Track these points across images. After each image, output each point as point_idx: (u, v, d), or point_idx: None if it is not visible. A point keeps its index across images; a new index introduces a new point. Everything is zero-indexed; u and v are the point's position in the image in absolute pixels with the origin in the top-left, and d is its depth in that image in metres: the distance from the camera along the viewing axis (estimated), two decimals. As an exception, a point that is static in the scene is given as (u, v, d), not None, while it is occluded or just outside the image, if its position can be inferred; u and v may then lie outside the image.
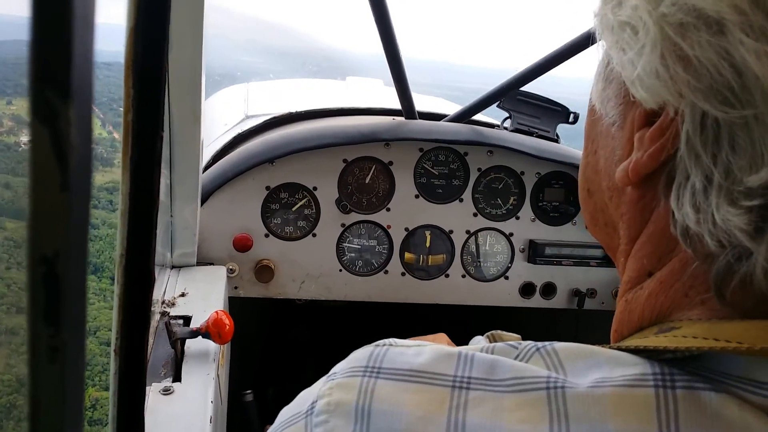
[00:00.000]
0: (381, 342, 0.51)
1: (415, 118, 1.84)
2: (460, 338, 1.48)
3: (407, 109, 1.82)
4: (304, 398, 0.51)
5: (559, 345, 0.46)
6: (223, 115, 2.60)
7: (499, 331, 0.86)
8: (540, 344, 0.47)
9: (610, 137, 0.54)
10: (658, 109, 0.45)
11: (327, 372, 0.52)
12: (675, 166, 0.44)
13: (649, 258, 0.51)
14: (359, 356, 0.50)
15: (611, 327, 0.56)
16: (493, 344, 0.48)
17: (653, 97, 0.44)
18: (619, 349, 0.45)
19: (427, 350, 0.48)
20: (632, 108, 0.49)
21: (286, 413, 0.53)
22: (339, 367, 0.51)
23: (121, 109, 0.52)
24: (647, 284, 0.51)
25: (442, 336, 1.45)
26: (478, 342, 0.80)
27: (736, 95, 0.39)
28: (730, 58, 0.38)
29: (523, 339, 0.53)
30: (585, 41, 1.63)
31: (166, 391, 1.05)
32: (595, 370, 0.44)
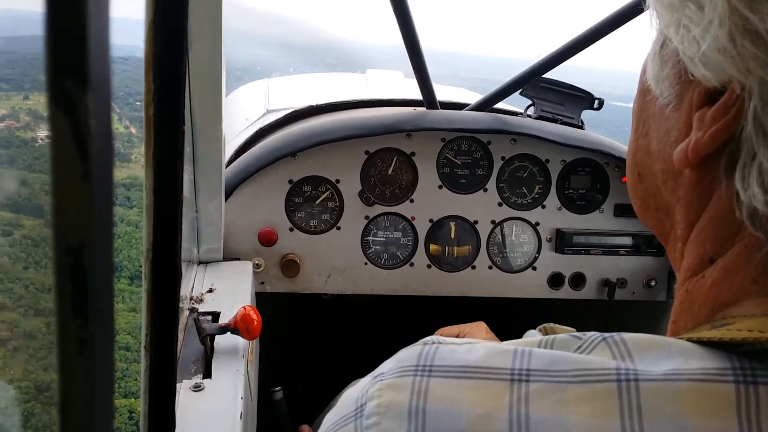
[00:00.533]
0: (428, 340, 0.49)
1: (437, 108, 1.82)
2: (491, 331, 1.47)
3: (428, 99, 1.80)
4: (349, 401, 0.50)
5: (627, 335, 0.44)
6: (244, 110, 2.61)
7: (552, 324, 0.83)
8: (607, 334, 0.45)
9: (664, 119, 0.52)
10: (720, 87, 0.44)
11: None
12: (739, 145, 0.42)
13: (711, 243, 0.49)
14: (407, 355, 0.48)
15: (666, 317, 0.54)
16: (552, 336, 0.46)
17: (717, 74, 0.42)
18: (690, 340, 0.43)
19: (479, 347, 0.46)
20: (690, 87, 0.48)
21: (332, 418, 0.51)
22: (386, 367, 0.49)
23: (138, 103, 0.51)
24: (710, 272, 0.49)
25: (481, 324, 1.44)
26: (533, 336, 0.78)
27: None
28: None
29: None
30: (607, 26, 1.59)
31: (197, 388, 1.06)
32: (667, 361, 0.41)
